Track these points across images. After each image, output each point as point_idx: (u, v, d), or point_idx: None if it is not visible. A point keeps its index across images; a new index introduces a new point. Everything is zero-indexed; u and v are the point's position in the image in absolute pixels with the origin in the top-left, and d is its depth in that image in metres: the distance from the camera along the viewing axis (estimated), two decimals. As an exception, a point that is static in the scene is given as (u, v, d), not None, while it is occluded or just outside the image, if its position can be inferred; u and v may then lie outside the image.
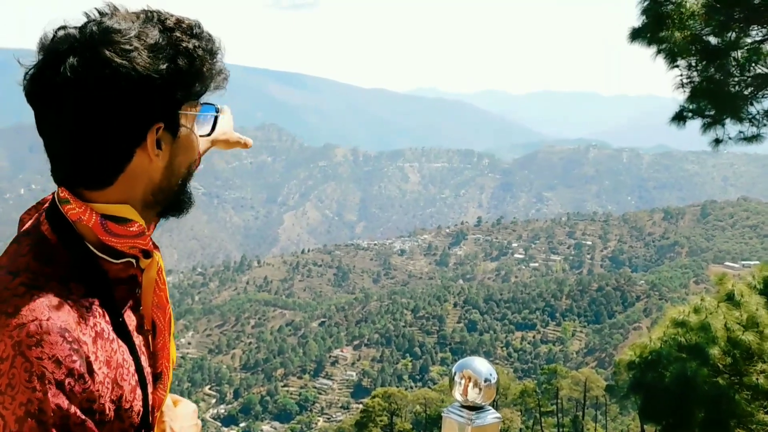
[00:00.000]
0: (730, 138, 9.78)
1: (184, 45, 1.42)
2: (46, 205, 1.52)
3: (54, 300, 1.33)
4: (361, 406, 70.78)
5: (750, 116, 9.58)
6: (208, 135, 1.58)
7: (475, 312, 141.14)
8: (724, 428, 9.21)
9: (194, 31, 1.45)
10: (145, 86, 1.36)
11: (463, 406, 2.66)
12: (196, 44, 1.44)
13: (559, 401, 57.47)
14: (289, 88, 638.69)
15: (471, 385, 2.61)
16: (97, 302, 1.42)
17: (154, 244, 1.57)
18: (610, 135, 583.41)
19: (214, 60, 1.48)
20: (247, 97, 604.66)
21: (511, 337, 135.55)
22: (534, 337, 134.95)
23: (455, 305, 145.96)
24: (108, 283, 1.46)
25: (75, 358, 1.30)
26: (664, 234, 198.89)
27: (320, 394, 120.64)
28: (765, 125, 9.60)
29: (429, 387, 75.09)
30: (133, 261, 1.52)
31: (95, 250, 1.45)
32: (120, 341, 1.46)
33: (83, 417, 1.31)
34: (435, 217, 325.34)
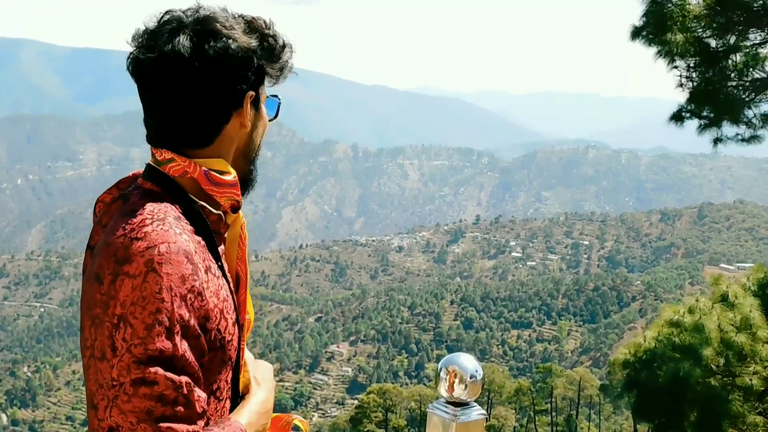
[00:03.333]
0: (728, 138, 9.85)
1: (266, 31, 1.72)
2: (128, 180, 1.77)
3: (177, 229, 1.55)
4: (356, 401, 70.79)
5: (747, 119, 9.64)
6: (274, 119, 1.85)
7: (472, 310, 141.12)
8: (717, 428, 9.27)
9: (269, 24, 1.75)
10: (244, 58, 1.66)
11: (448, 402, 2.64)
12: (275, 33, 1.75)
13: (553, 400, 57.58)
14: (290, 83, 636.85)
15: (456, 381, 2.59)
16: (203, 242, 1.63)
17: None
18: (610, 136, 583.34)
19: (287, 51, 1.79)
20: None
21: (507, 335, 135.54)
22: (530, 335, 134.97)
23: (452, 303, 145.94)
24: (209, 227, 1.68)
25: (196, 277, 1.52)
26: (660, 235, 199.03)
27: (315, 389, 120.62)
28: (762, 128, 9.67)
29: (424, 384, 75.11)
30: (223, 215, 1.74)
31: (196, 199, 1.68)
32: (223, 279, 1.67)
33: (199, 331, 1.52)
34: (434, 215, 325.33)
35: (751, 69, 9.04)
